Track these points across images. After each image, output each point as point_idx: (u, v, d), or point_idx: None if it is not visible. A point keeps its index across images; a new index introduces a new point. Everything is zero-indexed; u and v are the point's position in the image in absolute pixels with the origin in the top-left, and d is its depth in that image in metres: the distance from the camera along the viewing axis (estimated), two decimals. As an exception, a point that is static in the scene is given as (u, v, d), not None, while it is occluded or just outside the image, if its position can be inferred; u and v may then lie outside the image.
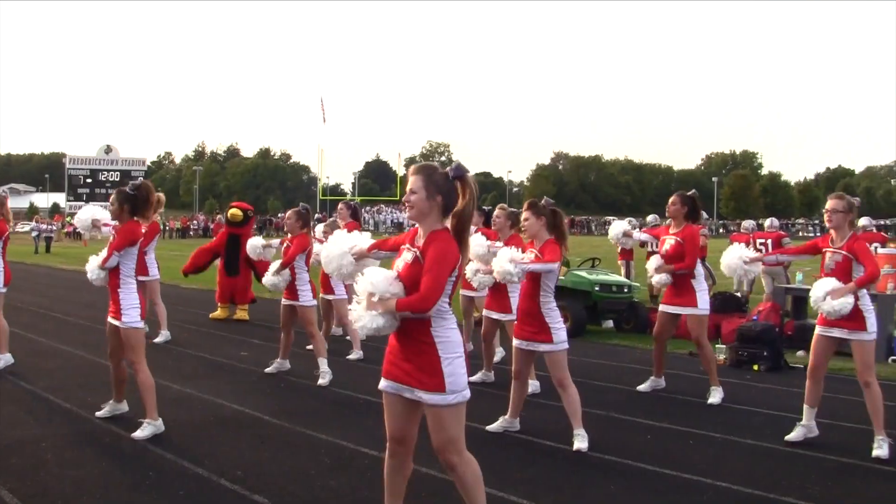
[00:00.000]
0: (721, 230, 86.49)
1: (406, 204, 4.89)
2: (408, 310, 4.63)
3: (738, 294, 17.19)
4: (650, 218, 23.71)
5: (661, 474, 7.03)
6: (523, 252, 8.06)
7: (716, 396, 9.79)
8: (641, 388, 10.32)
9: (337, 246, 5.72)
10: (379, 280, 4.70)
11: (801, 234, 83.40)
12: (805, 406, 8.02)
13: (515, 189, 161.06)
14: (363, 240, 5.80)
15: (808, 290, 14.53)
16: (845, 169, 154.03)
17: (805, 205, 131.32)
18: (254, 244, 11.55)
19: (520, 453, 7.68)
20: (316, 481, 6.68)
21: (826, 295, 7.58)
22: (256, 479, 6.65)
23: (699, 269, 9.94)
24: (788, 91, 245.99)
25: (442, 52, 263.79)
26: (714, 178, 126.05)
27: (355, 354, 12.21)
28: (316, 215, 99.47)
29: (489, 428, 8.27)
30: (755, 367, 11.87)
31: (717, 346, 12.56)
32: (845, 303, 7.52)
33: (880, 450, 7.51)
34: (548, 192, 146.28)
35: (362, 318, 4.70)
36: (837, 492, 6.56)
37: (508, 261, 7.79)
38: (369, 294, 4.69)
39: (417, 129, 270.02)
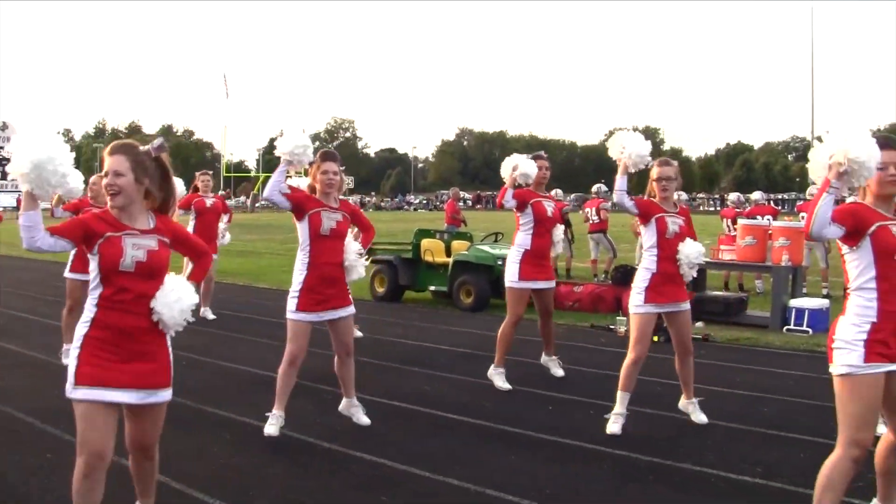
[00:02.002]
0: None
1: (109, 189, 4.38)
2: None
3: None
4: (553, 192, 23.95)
5: (561, 444, 7.15)
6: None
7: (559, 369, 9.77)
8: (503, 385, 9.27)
9: None
10: None
11: (701, 208, 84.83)
12: (622, 393, 7.61)
13: (421, 165, 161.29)
14: None
15: (708, 263, 14.99)
16: (744, 145, 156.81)
17: (705, 179, 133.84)
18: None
19: (421, 426, 7.73)
20: (218, 459, 6.65)
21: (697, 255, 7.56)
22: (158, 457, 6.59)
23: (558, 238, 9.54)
24: (689, 68, 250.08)
25: (346, 27, 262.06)
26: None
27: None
28: (220, 193, 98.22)
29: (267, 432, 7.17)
30: (655, 338, 12.04)
31: (618, 317, 12.78)
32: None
33: (701, 413, 7.75)
34: (453, 167, 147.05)
35: None
36: (733, 458, 6.72)
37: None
38: None
39: (321, 105, 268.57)
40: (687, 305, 7.62)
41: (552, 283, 9.42)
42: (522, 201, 9.05)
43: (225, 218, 14.10)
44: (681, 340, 7.67)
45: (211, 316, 13.56)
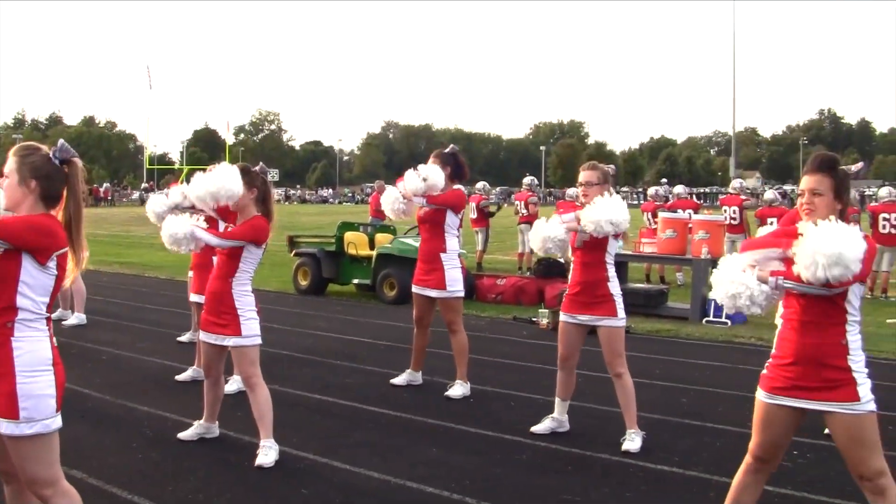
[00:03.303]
0: (549, 198, 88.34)
1: None
2: None
3: (562, 260, 17.61)
4: (479, 185, 24.11)
5: (481, 435, 7.21)
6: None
7: (458, 391, 8.49)
8: (395, 381, 8.98)
9: None
10: None
11: (626, 201, 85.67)
12: (557, 399, 7.28)
13: (346, 158, 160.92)
14: None
15: (629, 256, 15.17)
16: (668, 139, 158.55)
17: (629, 173, 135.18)
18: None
19: (343, 419, 7.74)
20: (137, 453, 6.60)
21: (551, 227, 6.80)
22: (75, 453, 6.47)
23: (451, 244, 8.56)
24: (614, 63, 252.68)
25: (271, 19, 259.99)
26: (542, 147, 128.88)
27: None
28: (143, 185, 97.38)
29: (181, 436, 6.93)
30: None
31: (540, 310, 12.89)
32: (558, 230, 6.79)
33: (631, 443, 6.81)
34: (378, 160, 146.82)
35: None
36: (651, 447, 6.81)
37: None
38: None
39: (247, 97, 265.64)
40: (604, 321, 6.91)
41: (429, 292, 8.53)
42: None
43: None
44: (607, 361, 7.03)
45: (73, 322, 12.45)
